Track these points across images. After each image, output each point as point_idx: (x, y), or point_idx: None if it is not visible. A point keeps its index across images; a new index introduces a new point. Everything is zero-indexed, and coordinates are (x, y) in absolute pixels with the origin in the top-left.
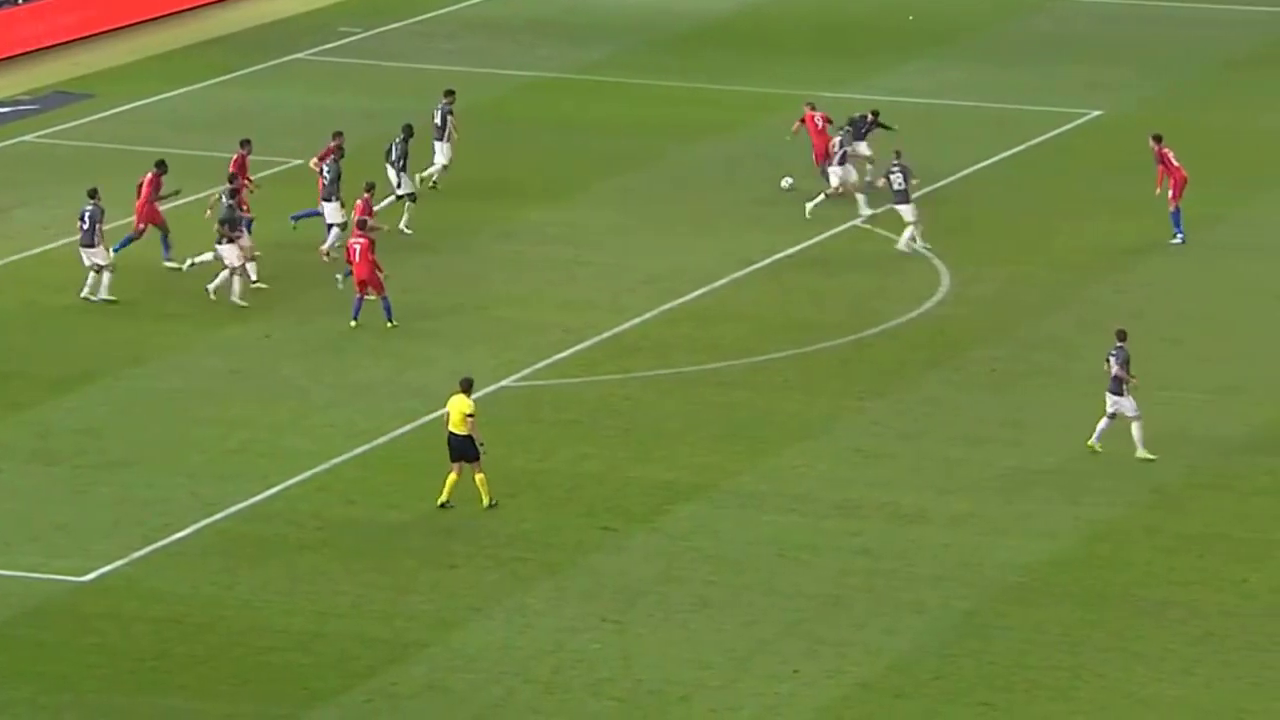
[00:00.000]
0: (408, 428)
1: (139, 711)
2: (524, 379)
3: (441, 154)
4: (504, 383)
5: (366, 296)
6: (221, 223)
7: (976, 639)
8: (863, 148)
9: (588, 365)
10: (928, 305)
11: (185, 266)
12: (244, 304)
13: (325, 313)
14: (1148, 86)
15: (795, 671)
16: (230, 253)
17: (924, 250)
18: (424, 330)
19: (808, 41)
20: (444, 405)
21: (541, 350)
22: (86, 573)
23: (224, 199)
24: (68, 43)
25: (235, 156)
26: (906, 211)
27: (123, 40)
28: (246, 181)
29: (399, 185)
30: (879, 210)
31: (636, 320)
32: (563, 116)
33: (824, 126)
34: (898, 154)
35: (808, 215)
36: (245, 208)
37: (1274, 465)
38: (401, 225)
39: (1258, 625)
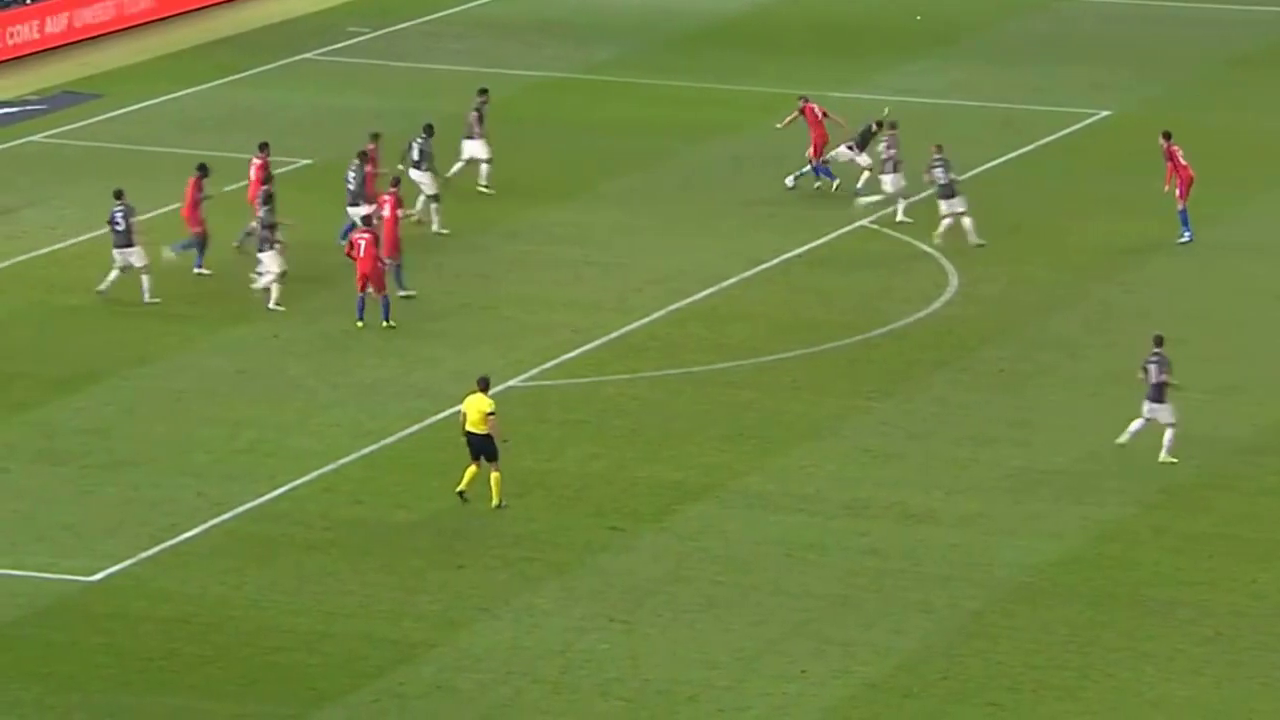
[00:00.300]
0: (415, 428)
1: (147, 711)
2: (531, 379)
3: (480, 151)
4: (511, 383)
5: (368, 293)
6: (266, 227)
7: (984, 639)
8: (863, 159)
9: (595, 365)
10: (935, 305)
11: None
12: (281, 308)
13: (332, 313)
14: (1154, 86)
15: (803, 671)
16: (270, 259)
17: (979, 242)
18: (431, 330)
19: (814, 41)
20: (452, 405)
21: (549, 350)
22: (94, 573)
23: (260, 205)
24: (76, 43)
25: (259, 162)
26: (955, 204)
27: (131, 40)
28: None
29: (424, 186)
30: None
31: (644, 320)
32: (570, 116)
33: (823, 118)
34: (939, 148)
35: (859, 205)
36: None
37: None
38: (436, 227)
39: (1267, 625)
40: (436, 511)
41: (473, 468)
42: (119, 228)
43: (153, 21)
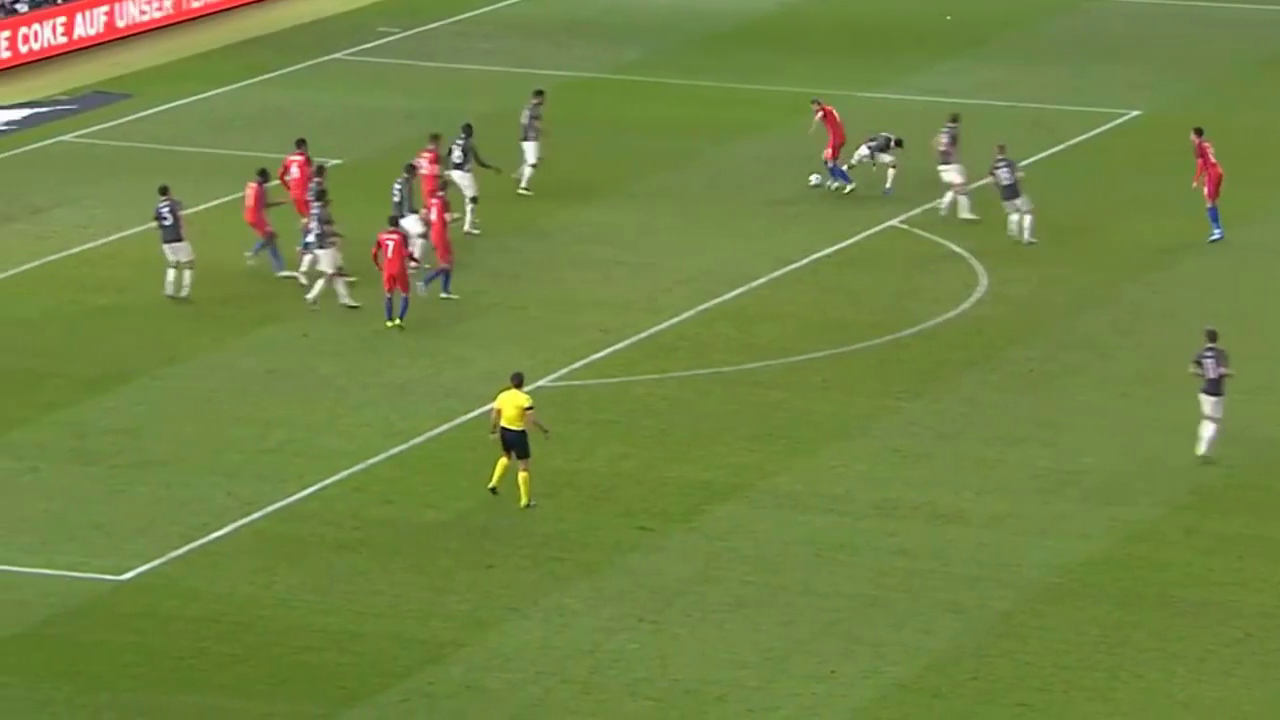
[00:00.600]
0: (444, 427)
1: (176, 710)
2: (561, 379)
3: (531, 153)
4: (541, 383)
5: (402, 292)
6: (322, 223)
7: (1014, 639)
8: (886, 157)
9: (625, 365)
10: (965, 305)
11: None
12: (357, 305)
13: (362, 313)
14: (1185, 86)
15: (832, 672)
16: (328, 258)
17: (1031, 240)
18: (461, 330)
19: (843, 42)
20: (482, 405)
21: (578, 350)
22: (124, 572)
23: (313, 204)
24: (106, 43)
25: (300, 159)
26: (1020, 203)
27: (161, 40)
28: (290, 185)
29: (465, 187)
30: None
31: (673, 320)
32: (599, 117)
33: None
34: (1001, 148)
35: (943, 213)
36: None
37: None
38: (467, 227)
39: None
40: (466, 511)
41: (503, 460)
42: (166, 222)
43: (180, 22)
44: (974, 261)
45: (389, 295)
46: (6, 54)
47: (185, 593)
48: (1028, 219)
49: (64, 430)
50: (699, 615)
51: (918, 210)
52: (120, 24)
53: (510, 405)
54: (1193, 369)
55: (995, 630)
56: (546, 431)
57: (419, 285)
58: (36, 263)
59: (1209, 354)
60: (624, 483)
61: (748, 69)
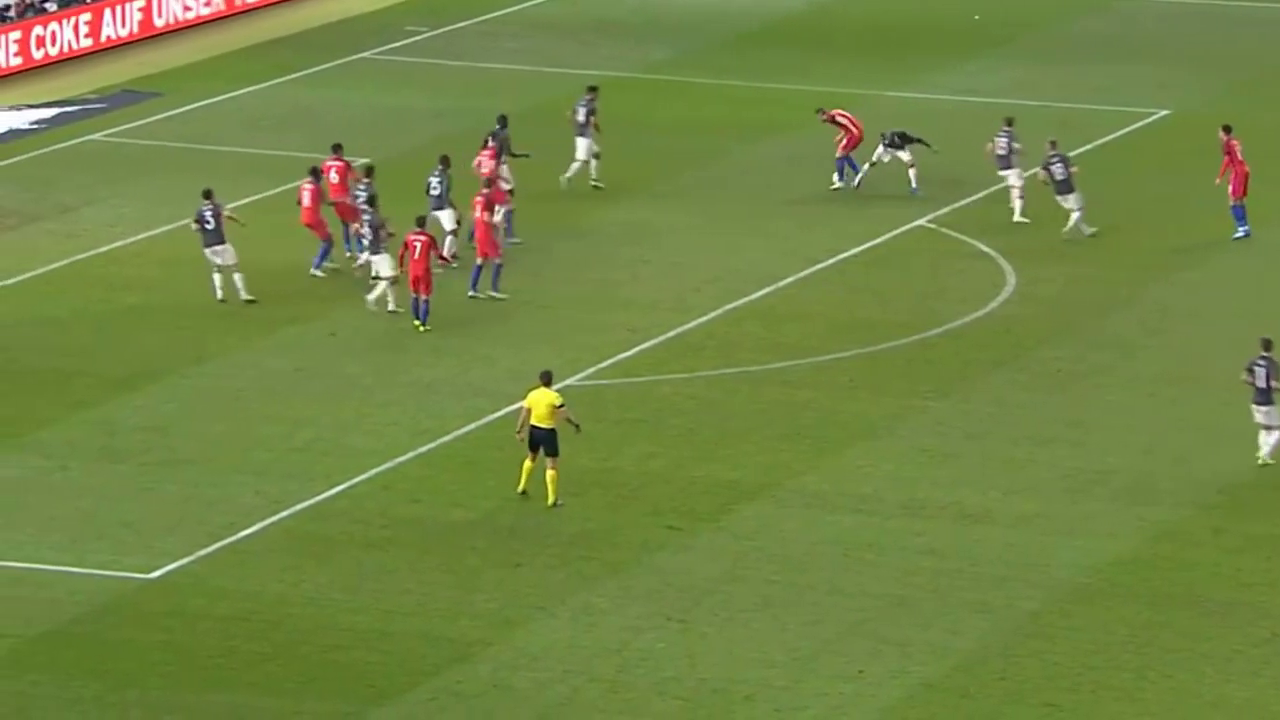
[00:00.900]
0: (472, 426)
1: (205, 708)
2: (588, 378)
3: (584, 150)
4: (568, 382)
5: (423, 295)
6: (375, 229)
7: (1042, 639)
8: (905, 155)
9: (652, 364)
10: (992, 305)
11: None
12: (399, 310)
13: (389, 311)
14: (1214, 86)
15: (860, 671)
16: (384, 263)
17: (1088, 234)
18: (488, 329)
19: (870, 41)
20: (509, 404)
21: (606, 349)
22: (153, 570)
23: (365, 209)
24: (135, 42)
25: (338, 165)
26: (1071, 200)
27: (190, 39)
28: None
29: (505, 181)
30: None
31: (701, 319)
32: (627, 116)
33: (828, 120)
34: (1053, 144)
35: (1017, 218)
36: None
37: None
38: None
39: None
40: (493, 510)
41: (528, 462)
42: (209, 226)
43: (219, 19)
44: (1002, 261)
45: (414, 296)
46: (38, 53)
47: (214, 591)
48: (1076, 215)
49: (93, 429)
50: (726, 614)
51: (945, 210)
52: (159, 22)
53: (540, 403)
54: (1244, 376)
55: (1023, 630)
56: (578, 427)
57: (471, 294)
58: (65, 261)
59: (1262, 362)
60: (652, 482)
61: (775, 69)
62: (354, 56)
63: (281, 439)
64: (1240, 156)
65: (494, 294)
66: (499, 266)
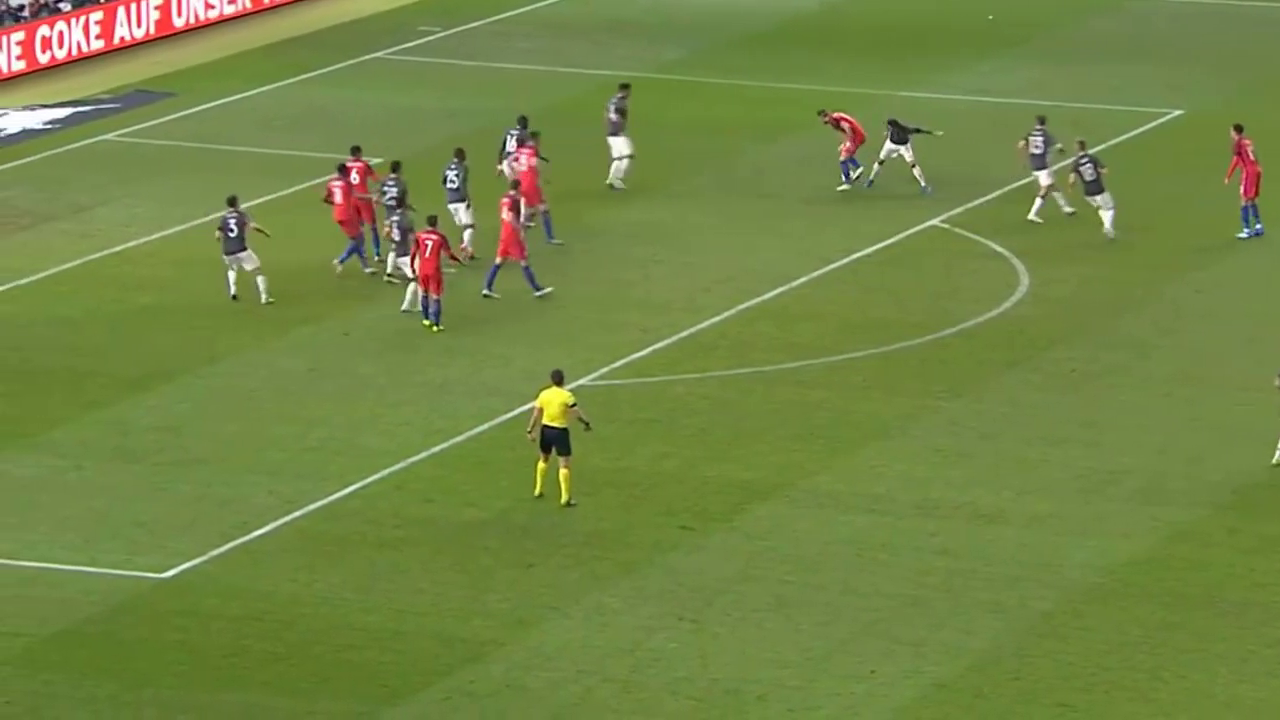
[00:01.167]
0: (485, 426)
1: (218, 708)
2: (601, 378)
3: (620, 148)
4: (581, 382)
5: (434, 295)
6: (404, 231)
7: (1055, 640)
8: (908, 154)
9: (665, 364)
10: (1006, 305)
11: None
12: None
13: (401, 312)
14: (1227, 86)
15: (873, 672)
16: (408, 263)
17: (1110, 236)
18: (501, 329)
19: (884, 41)
20: (523, 404)
21: (619, 349)
22: (166, 570)
23: (395, 209)
24: (149, 41)
25: (358, 166)
26: (1100, 200)
27: (203, 39)
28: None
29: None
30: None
31: (714, 319)
32: (640, 116)
33: (830, 122)
34: (1082, 144)
35: (1031, 216)
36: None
37: None
38: (522, 219)
39: None
40: (507, 510)
41: (541, 464)
42: (231, 234)
43: (226, 20)
44: (1015, 261)
45: (424, 294)
46: (50, 54)
47: (227, 591)
48: (1108, 215)
49: (107, 429)
50: (739, 615)
51: (959, 210)
52: (178, 21)
53: (552, 403)
54: (1277, 381)
55: (1036, 630)
56: (588, 425)
57: (485, 292)
58: (79, 261)
59: None
60: (665, 482)
61: (788, 68)
62: (367, 56)
63: (295, 439)
64: (1252, 156)
65: (537, 293)
66: (527, 267)
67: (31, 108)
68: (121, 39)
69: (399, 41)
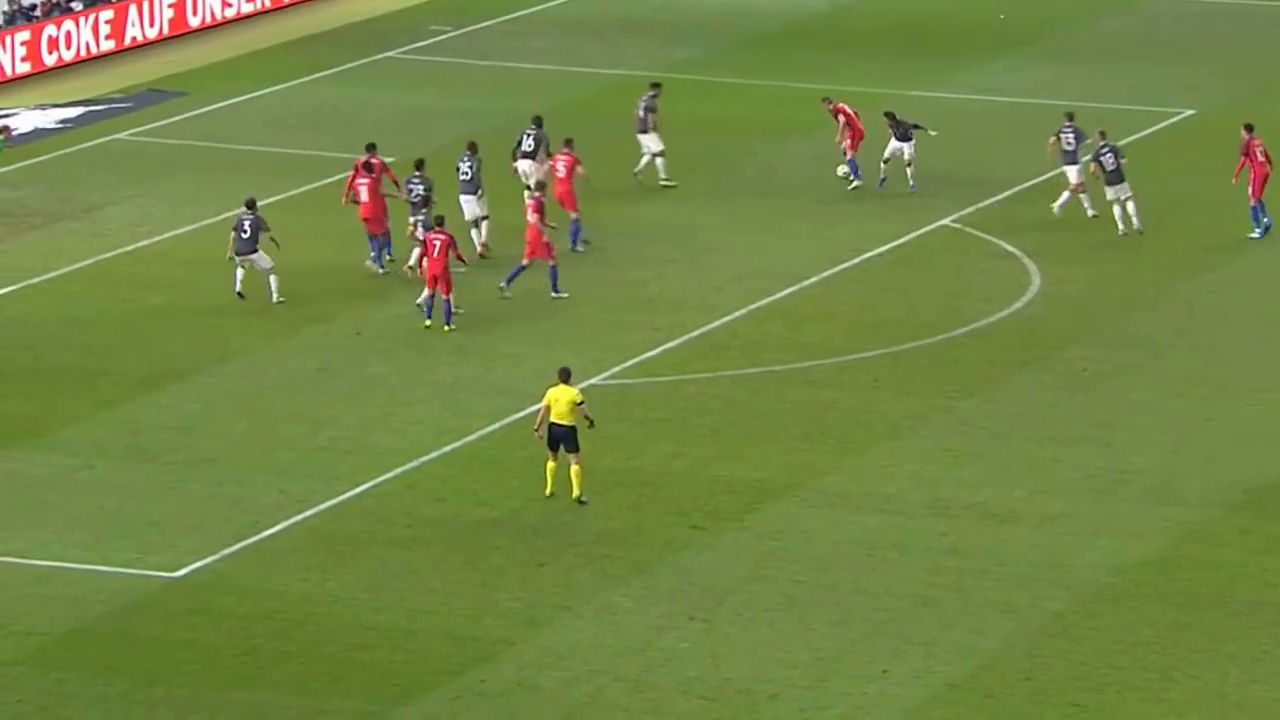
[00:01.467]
0: (496, 426)
1: (230, 706)
2: (612, 378)
3: (650, 145)
4: (592, 381)
5: (442, 294)
6: (428, 229)
7: (1067, 640)
8: (907, 153)
9: (676, 364)
10: (1017, 305)
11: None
12: (460, 310)
13: (413, 311)
14: (1240, 86)
15: (884, 671)
16: (417, 264)
17: (1138, 229)
18: (512, 328)
19: (895, 40)
20: (534, 403)
21: (630, 349)
22: (178, 569)
23: (420, 208)
24: (161, 41)
25: (376, 163)
26: (1122, 190)
27: (215, 38)
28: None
29: (530, 177)
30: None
31: (725, 319)
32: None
33: (836, 115)
34: (1103, 134)
35: (1057, 210)
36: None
37: None
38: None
39: None
40: (518, 509)
41: (551, 464)
42: (244, 235)
43: (238, 19)
44: (1026, 261)
45: (430, 295)
46: (64, 54)
47: (238, 590)
48: (1130, 205)
49: (118, 428)
50: (750, 614)
51: (970, 209)
52: (193, 20)
53: (561, 400)
54: None
55: (1048, 630)
56: (592, 423)
57: (501, 286)
58: (91, 261)
59: None
60: (675, 481)
61: (799, 68)
62: (379, 56)
63: (305, 438)
64: (1261, 157)
65: (554, 294)
66: (554, 267)
67: (43, 107)
68: (134, 39)
69: (411, 41)
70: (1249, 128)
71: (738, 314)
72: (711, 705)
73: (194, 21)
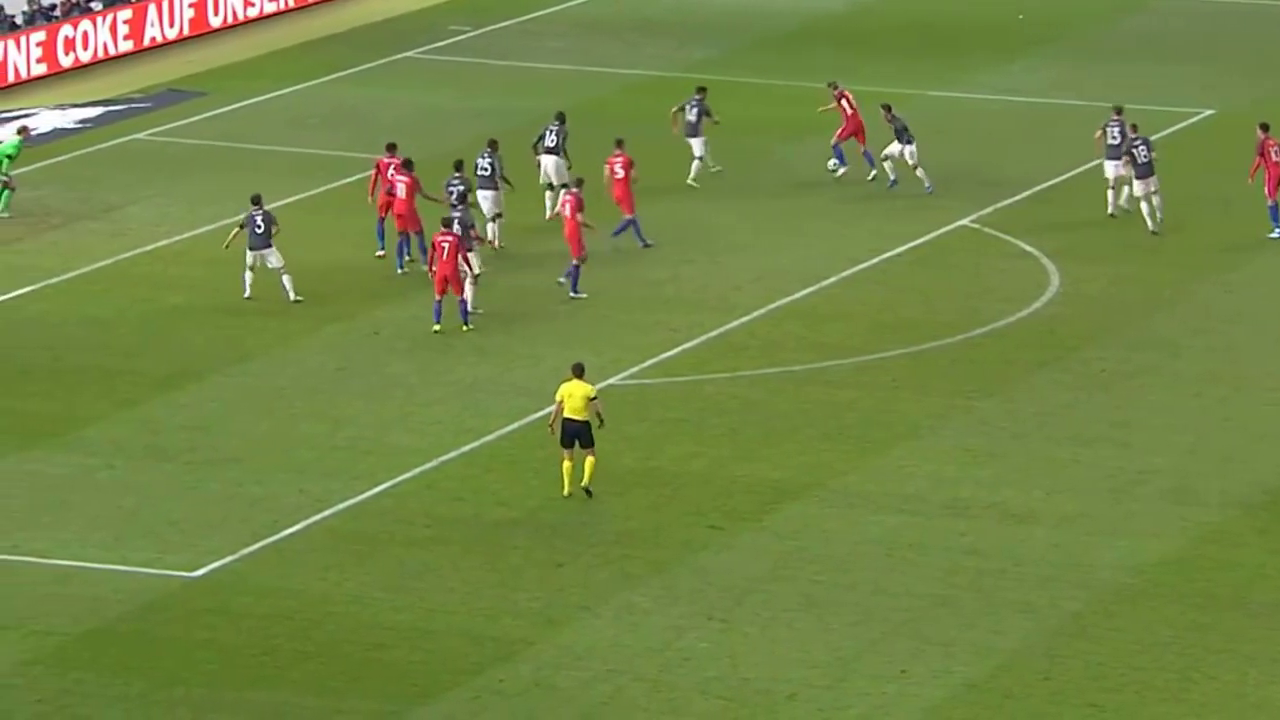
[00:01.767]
0: (515, 425)
1: (249, 706)
2: (631, 378)
3: (700, 148)
4: (611, 381)
5: (456, 295)
6: (465, 228)
7: (1085, 640)
8: (907, 153)
9: (695, 364)
10: (1036, 305)
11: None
12: (480, 311)
13: (431, 311)
14: (1260, 86)
15: (903, 671)
16: (472, 259)
17: (1156, 229)
18: (531, 328)
19: (913, 40)
20: (552, 404)
21: (648, 349)
22: (196, 568)
23: (456, 206)
24: (180, 41)
25: (395, 163)
26: (1151, 183)
27: (234, 38)
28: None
29: (555, 174)
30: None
31: (744, 319)
32: (669, 115)
33: (843, 108)
34: (1134, 127)
35: (1111, 212)
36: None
37: None
38: (550, 214)
39: None
40: (536, 509)
41: (567, 464)
42: (258, 230)
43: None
44: (1045, 261)
45: (439, 299)
46: (83, 54)
47: (257, 589)
48: (1156, 199)
49: (138, 427)
50: (769, 614)
51: (989, 209)
52: (214, 20)
53: (575, 395)
54: None
55: (1066, 631)
56: (602, 421)
57: (573, 295)
58: (110, 260)
59: None
60: (694, 481)
61: (817, 68)
62: (397, 56)
63: (324, 438)
64: (1276, 156)
65: (573, 294)
66: (578, 266)
67: (63, 107)
68: (152, 39)
69: (430, 41)
70: (1264, 127)
71: (756, 314)
72: (730, 705)
73: (215, 21)
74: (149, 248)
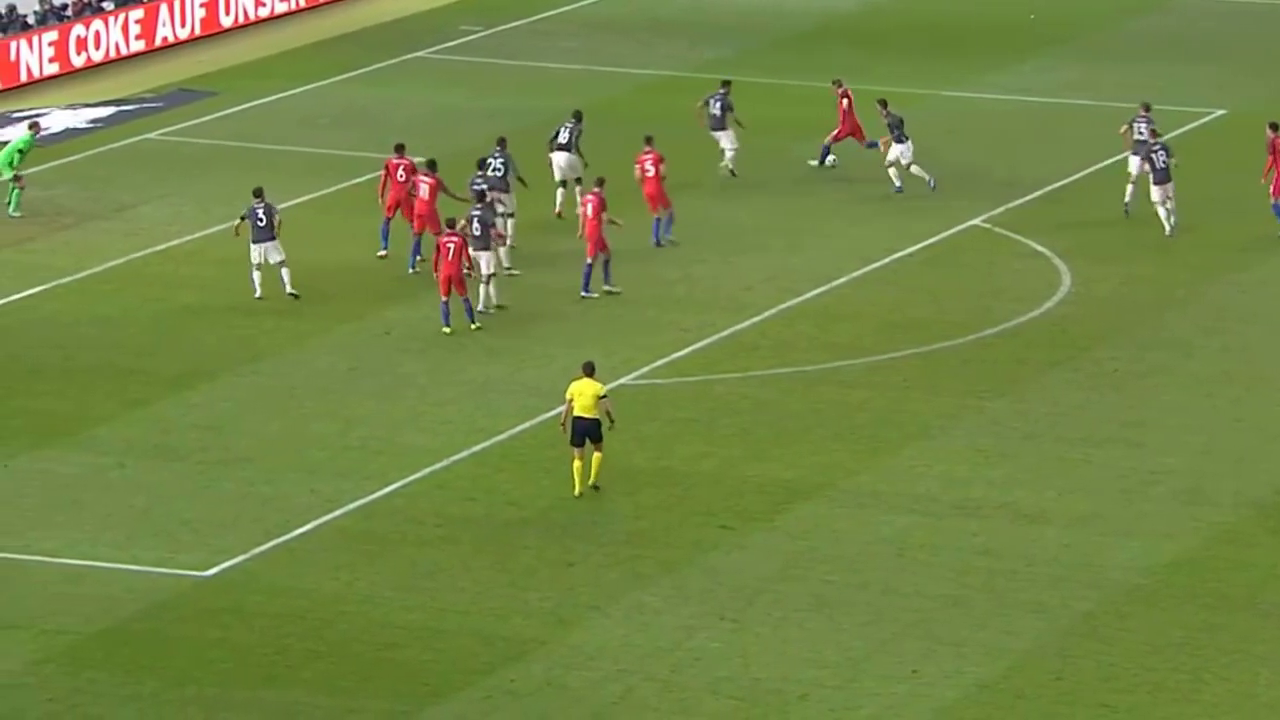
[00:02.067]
0: (526, 425)
1: (260, 705)
2: (642, 377)
3: (728, 140)
4: (622, 381)
5: (460, 295)
6: (485, 226)
7: (1097, 640)
8: (906, 154)
9: (706, 364)
10: (1048, 305)
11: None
12: (505, 306)
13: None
14: (1271, 86)
15: (914, 672)
16: (485, 259)
17: (1170, 232)
18: (543, 328)
19: (925, 40)
20: (563, 403)
21: (659, 349)
22: (208, 568)
23: (474, 204)
24: (191, 41)
25: (403, 163)
26: (1169, 189)
27: (245, 38)
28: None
29: (566, 170)
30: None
31: (755, 319)
32: (682, 115)
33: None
34: (1154, 133)
35: (1127, 202)
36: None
37: None
38: (558, 209)
39: None
40: (547, 509)
41: (577, 463)
42: (261, 223)
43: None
44: (1057, 261)
45: (445, 300)
46: (95, 53)
47: (269, 589)
48: (1170, 203)
49: (149, 427)
50: (780, 614)
51: (1000, 209)
52: (225, 20)
53: (585, 393)
54: None
55: (1078, 631)
56: (613, 421)
57: (606, 287)
58: (122, 260)
59: None
60: (705, 481)
61: (829, 68)
62: (408, 56)
63: (336, 437)
64: None
65: (584, 293)
66: (607, 260)
67: (74, 107)
68: (164, 39)
69: (440, 41)
70: (1274, 127)
71: (768, 314)
72: (741, 705)
73: (226, 21)
74: (161, 247)
